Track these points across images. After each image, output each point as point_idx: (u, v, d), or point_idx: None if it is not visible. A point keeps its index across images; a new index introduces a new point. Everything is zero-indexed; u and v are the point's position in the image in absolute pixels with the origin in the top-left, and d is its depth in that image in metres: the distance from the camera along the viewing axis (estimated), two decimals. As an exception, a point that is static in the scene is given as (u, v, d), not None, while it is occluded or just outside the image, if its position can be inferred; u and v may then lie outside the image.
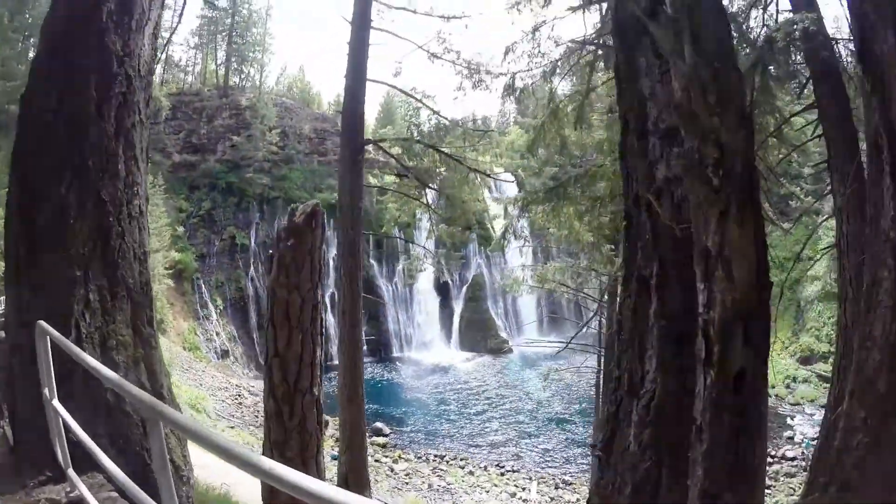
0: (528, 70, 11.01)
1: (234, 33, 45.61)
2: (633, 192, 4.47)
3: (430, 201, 14.55)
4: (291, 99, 48.56)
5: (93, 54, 5.23)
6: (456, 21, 13.94)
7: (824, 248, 29.25)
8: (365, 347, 37.46)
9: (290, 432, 3.14)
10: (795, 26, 9.03)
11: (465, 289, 40.22)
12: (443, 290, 39.48)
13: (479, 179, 13.49)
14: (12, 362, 4.80)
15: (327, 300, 29.90)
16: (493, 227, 38.25)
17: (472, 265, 40.54)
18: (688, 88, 3.38)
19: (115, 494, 4.01)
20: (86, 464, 4.00)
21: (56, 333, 3.81)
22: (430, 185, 14.05)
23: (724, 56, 3.48)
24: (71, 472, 4.00)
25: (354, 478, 12.76)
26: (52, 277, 4.84)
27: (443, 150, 12.69)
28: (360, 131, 13.41)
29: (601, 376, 17.39)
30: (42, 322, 3.92)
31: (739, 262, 3.26)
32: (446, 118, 13.97)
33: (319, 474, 3.32)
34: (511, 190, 35.94)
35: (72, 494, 4.00)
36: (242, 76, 46.85)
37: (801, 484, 20.12)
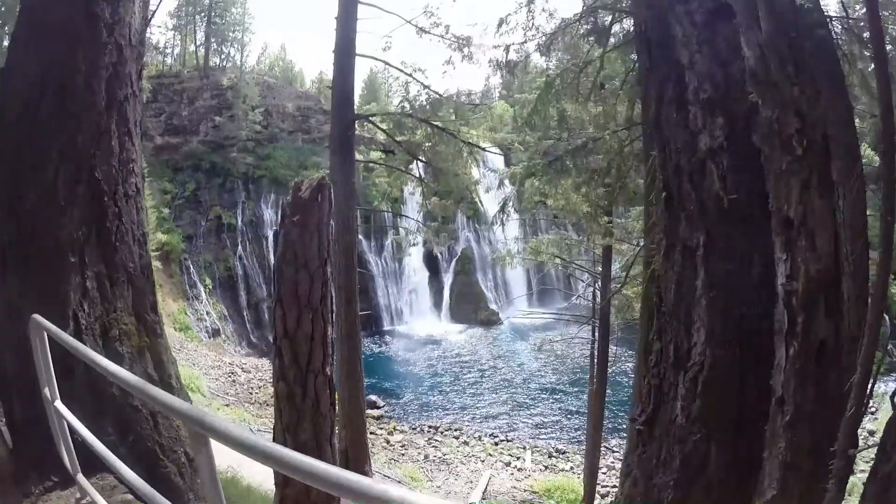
0: (522, 42, 10.94)
1: (212, 13, 44.46)
2: (671, 162, 4.37)
3: (421, 175, 14.52)
4: (273, 78, 47.79)
5: (79, 22, 4.76)
6: None
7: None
8: (356, 322, 37.89)
9: (303, 414, 3.04)
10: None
11: (454, 262, 40.27)
12: (432, 263, 39.51)
13: (470, 153, 13.46)
14: (5, 360, 4.41)
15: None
16: (481, 201, 38.26)
17: (460, 239, 40.58)
18: (764, 58, 3.34)
19: (129, 497, 3.79)
20: (93, 465, 3.67)
21: (53, 328, 3.41)
22: (422, 159, 14.00)
23: (799, 24, 3.43)
24: (80, 476, 3.66)
25: (354, 453, 12.92)
26: (44, 266, 4.48)
27: (436, 123, 12.64)
28: (349, 107, 13.32)
29: (595, 347, 17.63)
30: (37, 316, 3.49)
31: (821, 232, 3.25)
32: (437, 92, 13.90)
33: (333, 457, 3.25)
34: (497, 163, 35.93)
35: (83, 501, 3.76)
36: (223, 56, 45.86)
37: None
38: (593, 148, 10.92)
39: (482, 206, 38.47)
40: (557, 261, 18.77)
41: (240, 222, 37.62)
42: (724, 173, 4.00)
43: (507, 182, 12.38)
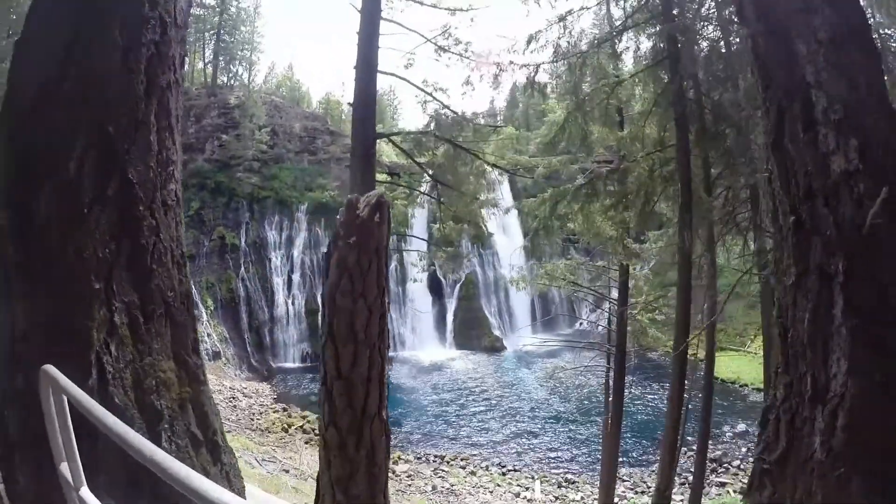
0: (552, 62, 10.80)
1: (222, 31, 44.99)
2: (799, 184, 4.10)
3: (439, 197, 14.28)
4: (280, 97, 48.11)
5: None
6: (462, 14, 13.72)
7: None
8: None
9: (356, 466, 2.66)
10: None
11: (458, 287, 39.98)
12: (436, 288, 39.20)
13: (495, 175, 13.22)
14: (5, 419, 3.40)
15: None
16: (485, 225, 38.10)
17: (464, 263, 40.36)
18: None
19: None
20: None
21: (71, 387, 2.48)
22: (442, 181, 13.77)
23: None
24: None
25: None
26: (59, 293, 3.47)
27: (459, 143, 12.42)
28: (371, 124, 13.08)
29: (610, 375, 17.31)
30: (49, 368, 2.58)
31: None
32: (455, 112, 13.73)
33: None
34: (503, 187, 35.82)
35: None
36: (230, 75, 46.30)
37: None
38: (625, 171, 10.74)
39: (486, 229, 38.33)
40: (565, 286, 18.60)
41: (243, 243, 37.38)
42: (861, 197, 3.76)
43: (541, 207, 12.03)
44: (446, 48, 13.52)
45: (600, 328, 37.20)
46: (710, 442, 15.10)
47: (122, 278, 3.63)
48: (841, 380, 3.69)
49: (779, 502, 3.97)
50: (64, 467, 2.62)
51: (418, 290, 38.44)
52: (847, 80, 3.87)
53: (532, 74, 10.89)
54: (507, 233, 39.17)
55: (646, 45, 11.04)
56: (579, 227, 12.07)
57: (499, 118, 54.67)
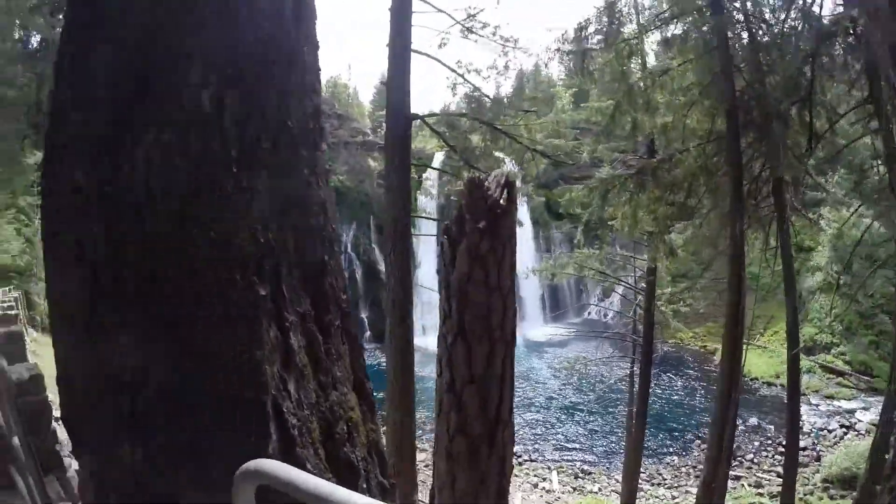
0: (601, 47, 10.57)
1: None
2: None
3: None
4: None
5: None
6: None
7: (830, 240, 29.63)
8: (368, 333, 37.17)
9: (487, 476, 2.34)
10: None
11: (467, 276, 39.74)
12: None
13: (532, 159, 12.95)
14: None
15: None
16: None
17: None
18: None
19: None
20: None
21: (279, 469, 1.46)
22: (476, 165, 13.51)
23: None
24: None
25: (405, 487, 12.19)
26: (198, 307, 2.06)
27: (498, 127, 12.15)
28: (406, 105, 12.73)
29: (635, 365, 17.24)
30: (264, 462, 1.52)
31: None
32: (487, 95, 13.46)
33: None
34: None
35: None
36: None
37: (813, 473, 20.27)
38: (675, 162, 10.54)
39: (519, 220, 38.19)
40: (593, 276, 18.45)
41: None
42: None
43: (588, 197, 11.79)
44: (475, 30, 13.24)
45: (608, 318, 37.42)
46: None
47: (291, 277, 2.34)
48: None
49: None
50: None
51: (429, 278, 38.31)
52: None
53: (581, 61, 10.65)
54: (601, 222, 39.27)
55: (693, 34, 10.78)
56: (622, 220, 11.79)
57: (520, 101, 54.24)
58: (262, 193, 2.24)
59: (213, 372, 2.07)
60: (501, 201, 2.21)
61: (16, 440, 3.70)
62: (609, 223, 13.25)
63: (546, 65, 12.65)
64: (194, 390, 2.05)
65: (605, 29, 10.47)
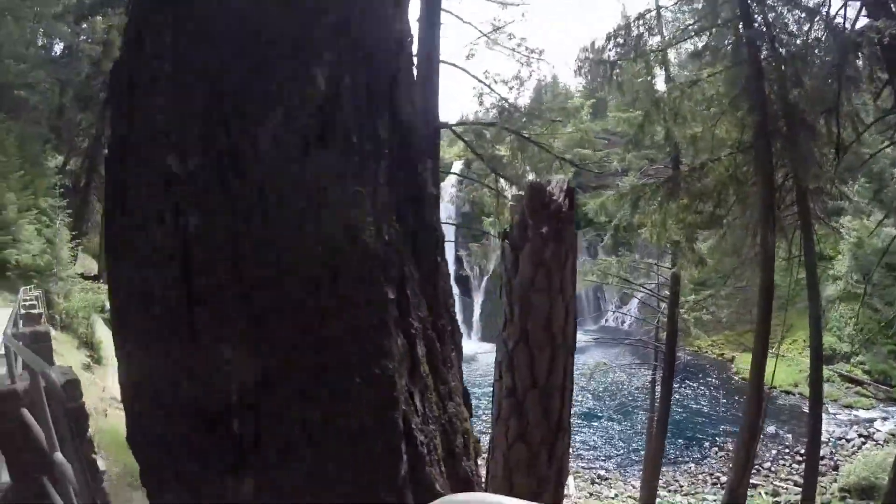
0: (630, 57, 10.79)
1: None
2: None
3: (504, 190, 14.25)
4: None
5: None
6: (513, 8, 13.71)
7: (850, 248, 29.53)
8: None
9: (545, 484, 2.29)
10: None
11: (485, 280, 39.90)
12: (463, 281, 39.17)
13: (561, 168, 13.15)
14: None
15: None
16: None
17: (491, 257, 40.31)
18: None
19: None
20: None
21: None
22: (502, 174, 13.74)
23: None
24: None
25: None
26: (324, 318, 1.80)
27: (526, 135, 12.38)
28: (434, 114, 12.98)
29: (657, 372, 17.34)
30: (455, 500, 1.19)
31: None
32: (516, 105, 13.69)
33: None
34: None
35: None
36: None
37: (831, 482, 20.22)
38: (707, 171, 10.71)
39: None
40: (616, 283, 18.57)
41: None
42: None
43: (617, 204, 11.99)
44: (501, 42, 13.48)
45: (626, 325, 37.37)
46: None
47: (413, 278, 2.12)
48: None
49: None
50: None
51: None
52: None
53: (609, 71, 10.86)
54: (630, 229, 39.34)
55: (724, 47, 10.98)
56: (651, 228, 11.91)
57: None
58: (383, 186, 1.98)
59: (339, 388, 1.81)
60: (563, 208, 2.25)
61: (58, 455, 3.35)
62: (638, 231, 13.39)
63: (576, 74, 12.72)
64: (316, 410, 1.79)
65: (632, 41, 10.65)
